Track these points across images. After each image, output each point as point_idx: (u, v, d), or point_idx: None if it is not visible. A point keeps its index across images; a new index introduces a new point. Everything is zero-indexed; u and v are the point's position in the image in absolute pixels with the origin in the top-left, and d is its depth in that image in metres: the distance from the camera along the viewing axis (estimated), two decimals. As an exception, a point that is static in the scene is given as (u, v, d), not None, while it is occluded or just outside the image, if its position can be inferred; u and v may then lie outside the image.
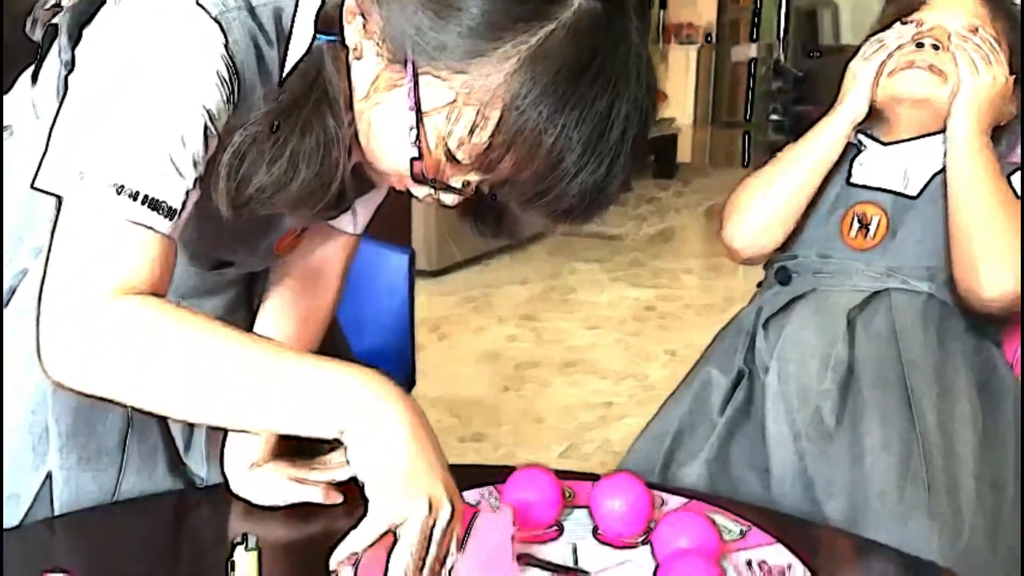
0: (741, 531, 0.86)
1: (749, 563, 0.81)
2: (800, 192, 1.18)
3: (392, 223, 1.00)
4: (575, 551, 0.83)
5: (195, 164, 0.68)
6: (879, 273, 1.14)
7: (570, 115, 0.63)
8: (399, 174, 0.72)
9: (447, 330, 3.22)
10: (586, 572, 0.79)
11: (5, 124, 0.87)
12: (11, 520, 0.85)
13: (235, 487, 0.91)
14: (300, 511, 0.89)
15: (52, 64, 0.81)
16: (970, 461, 1.03)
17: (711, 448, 1.11)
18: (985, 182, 1.09)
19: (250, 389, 0.64)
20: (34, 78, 0.84)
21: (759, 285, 1.30)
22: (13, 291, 0.86)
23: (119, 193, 0.66)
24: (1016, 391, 1.14)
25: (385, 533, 0.61)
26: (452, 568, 0.58)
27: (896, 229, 1.15)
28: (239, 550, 0.77)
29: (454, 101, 0.65)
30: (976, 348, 1.16)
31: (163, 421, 0.92)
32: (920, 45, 1.14)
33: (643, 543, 0.83)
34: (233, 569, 0.77)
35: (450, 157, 0.69)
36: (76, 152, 0.67)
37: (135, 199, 0.66)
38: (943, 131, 1.14)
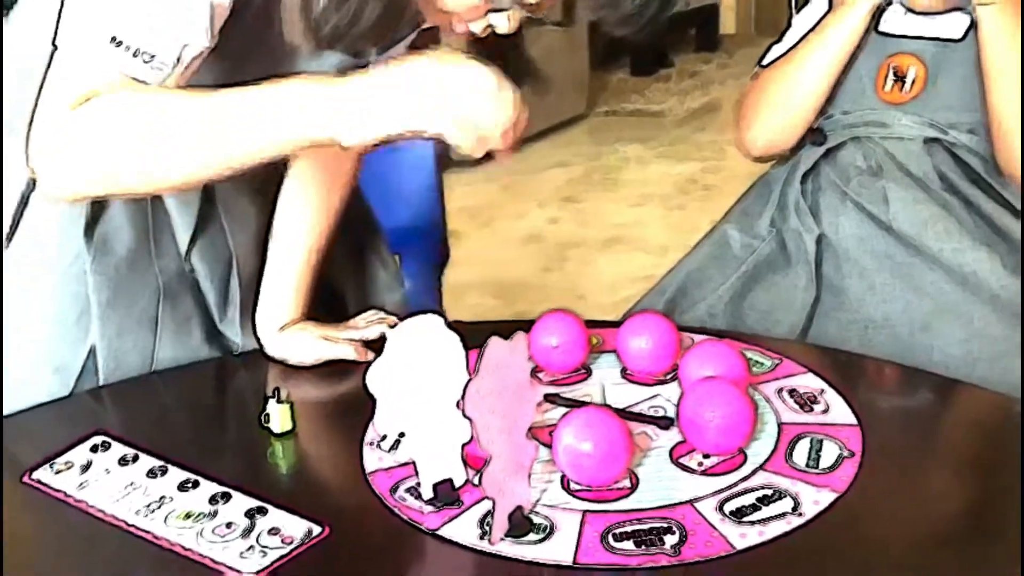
0: (773, 364, 0.85)
1: (780, 391, 0.80)
2: (819, 89, 1.12)
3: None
4: (603, 390, 0.83)
5: (207, 26, 0.69)
6: (917, 123, 1.09)
7: None
8: (461, 10, 0.72)
9: (488, 216, 3.21)
10: (611, 406, 0.79)
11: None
12: (62, 391, 0.88)
13: (269, 349, 0.93)
14: (333, 372, 0.90)
15: None
16: None
17: (718, 299, 1.09)
18: (1015, 47, 1.01)
19: (228, 120, 0.67)
20: None
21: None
22: None
23: (116, 45, 0.67)
24: None
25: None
26: (465, 390, 0.58)
27: (936, 78, 1.08)
28: (271, 403, 0.79)
29: None
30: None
31: (197, 291, 0.93)
32: None
33: (671, 380, 0.83)
34: (268, 421, 0.79)
35: None
36: (81, 8, 0.68)
37: (129, 52, 0.67)
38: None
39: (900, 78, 1.10)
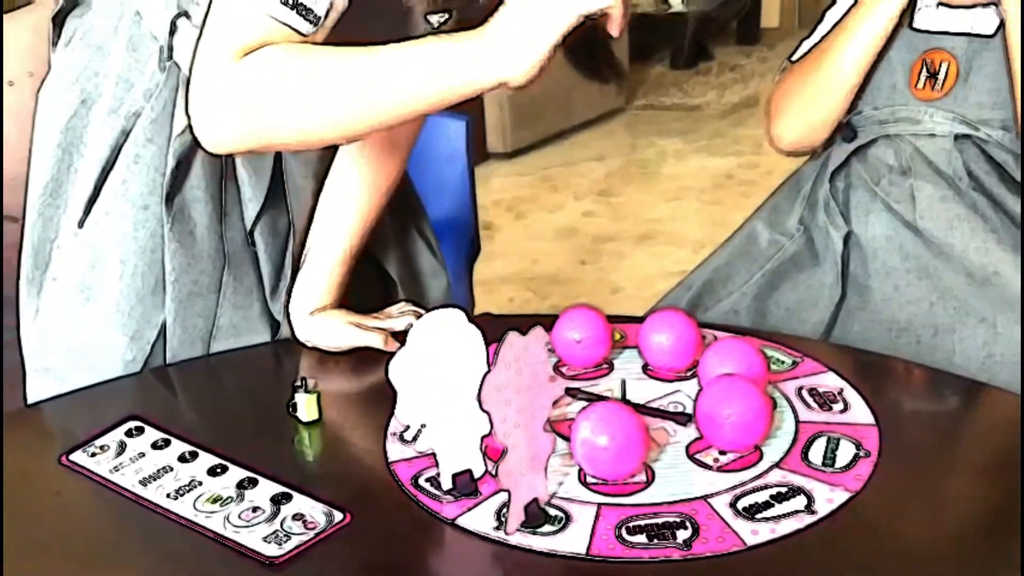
0: (793, 362, 0.85)
1: (800, 391, 0.81)
2: (849, 83, 1.10)
3: (464, 106, 1.02)
4: (623, 385, 0.84)
5: None
6: (948, 119, 1.08)
7: None
8: None
9: (523, 209, 3.22)
10: (630, 402, 0.80)
11: None
12: (137, 359, 0.92)
13: (299, 333, 0.95)
14: (362, 362, 0.92)
15: None
16: None
17: (743, 296, 1.09)
18: None
19: (393, 74, 0.69)
20: None
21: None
22: (126, 134, 0.91)
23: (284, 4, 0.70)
24: None
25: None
26: (482, 384, 0.59)
27: (968, 74, 1.07)
28: (299, 393, 0.81)
29: None
30: None
31: (256, 264, 0.96)
32: None
33: (691, 376, 0.84)
34: (295, 410, 0.81)
35: None
36: None
37: (286, 3, 0.71)
38: None
39: (933, 74, 1.09)
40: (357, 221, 0.97)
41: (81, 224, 0.92)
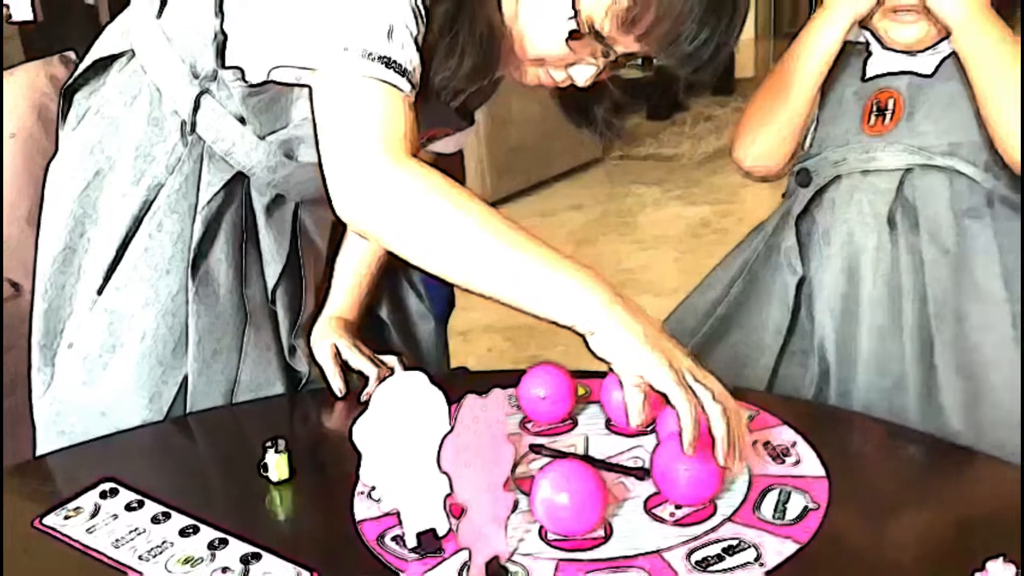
0: (749, 416, 0.88)
1: (754, 444, 0.84)
2: (799, 100, 1.15)
3: (444, 159, 1.10)
4: (586, 441, 0.87)
5: (415, 39, 0.77)
6: (900, 151, 1.13)
7: None
8: (548, 56, 0.82)
9: (503, 259, 3.26)
10: (592, 457, 0.83)
11: (121, 52, 0.97)
12: (155, 417, 0.96)
13: (314, 334, 1.05)
14: (335, 419, 0.95)
15: None
16: (997, 364, 1.03)
17: (696, 346, 1.13)
18: (999, 50, 1.04)
19: (504, 273, 0.73)
20: (160, 11, 0.94)
21: (784, 196, 1.29)
22: (148, 205, 0.94)
23: (371, 59, 0.75)
24: None
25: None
26: (441, 445, 0.62)
27: (912, 110, 1.13)
28: (270, 452, 0.84)
29: None
30: (1009, 230, 1.12)
31: (275, 322, 1.02)
32: None
33: (652, 431, 0.87)
34: (266, 470, 0.84)
35: (595, 33, 0.79)
36: (322, 28, 0.77)
37: (383, 63, 0.75)
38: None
39: (882, 111, 1.15)
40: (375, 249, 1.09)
41: (100, 291, 0.94)
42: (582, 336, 0.73)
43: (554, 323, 0.73)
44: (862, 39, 1.18)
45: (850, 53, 1.18)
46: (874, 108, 1.16)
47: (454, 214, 0.73)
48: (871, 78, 1.16)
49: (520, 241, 0.73)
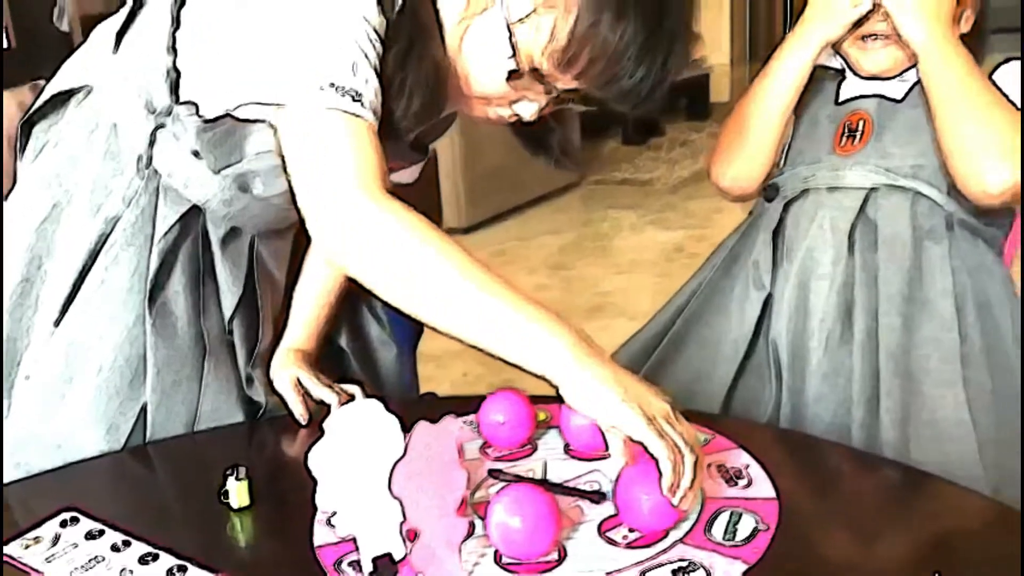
0: (705, 439, 0.90)
1: (708, 467, 0.85)
2: (771, 120, 1.18)
3: (418, 186, 1.12)
4: (545, 466, 0.88)
5: (374, 69, 0.78)
6: (867, 171, 1.15)
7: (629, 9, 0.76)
8: (491, 94, 0.85)
9: (479, 284, 3.28)
10: (549, 481, 0.84)
11: (80, 86, 0.99)
12: (113, 448, 0.95)
13: (273, 364, 1.06)
14: (296, 445, 0.96)
15: (144, 27, 0.93)
16: (937, 384, 1.05)
17: (650, 368, 1.15)
18: (961, 79, 1.07)
19: (469, 317, 0.74)
20: (116, 47, 0.95)
21: (750, 213, 1.31)
22: (105, 238, 0.95)
23: (340, 93, 0.76)
24: (1014, 295, 1.14)
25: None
26: (392, 474, 0.63)
27: (881, 132, 1.16)
28: (231, 480, 0.84)
29: (534, 11, 0.79)
30: (967, 252, 1.15)
31: (233, 352, 1.02)
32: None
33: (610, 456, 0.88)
34: (227, 497, 0.84)
35: (535, 72, 0.82)
36: (287, 64, 0.77)
37: (350, 96, 0.76)
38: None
39: (852, 132, 1.18)
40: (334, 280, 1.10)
41: (57, 323, 0.95)
42: (556, 388, 0.74)
43: (527, 371, 0.74)
44: (837, 65, 1.22)
45: (824, 78, 1.22)
46: (845, 129, 1.19)
47: (429, 257, 0.74)
48: (844, 101, 1.20)
49: (490, 284, 0.74)
